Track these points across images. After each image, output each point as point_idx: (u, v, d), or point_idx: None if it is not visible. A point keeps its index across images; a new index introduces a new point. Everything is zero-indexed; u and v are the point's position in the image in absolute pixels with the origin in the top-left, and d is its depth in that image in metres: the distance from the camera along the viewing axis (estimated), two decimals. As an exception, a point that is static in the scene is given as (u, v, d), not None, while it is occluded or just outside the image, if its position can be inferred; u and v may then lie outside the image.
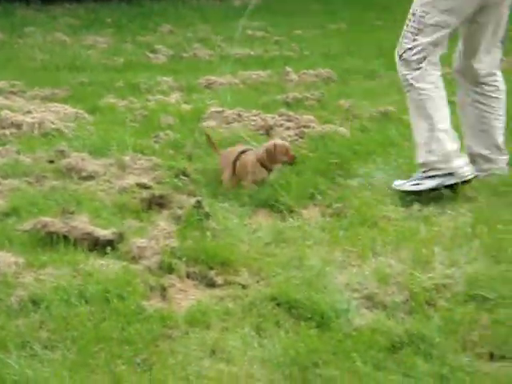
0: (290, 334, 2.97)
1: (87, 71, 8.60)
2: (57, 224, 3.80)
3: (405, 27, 4.55)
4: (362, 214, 4.16)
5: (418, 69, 4.52)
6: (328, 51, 9.66)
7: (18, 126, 5.90)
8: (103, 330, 2.91)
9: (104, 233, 3.76)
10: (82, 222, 3.84)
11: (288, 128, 5.90)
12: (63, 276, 3.33)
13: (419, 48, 4.50)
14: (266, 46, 10.20)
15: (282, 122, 6.04)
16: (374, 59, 8.79)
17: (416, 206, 4.30)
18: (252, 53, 9.69)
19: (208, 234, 3.85)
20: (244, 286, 3.40)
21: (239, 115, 6.21)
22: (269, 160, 4.67)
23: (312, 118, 6.10)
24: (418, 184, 4.47)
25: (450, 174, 4.43)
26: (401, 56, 4.56)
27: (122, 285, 3.24)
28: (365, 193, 4.48)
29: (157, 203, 4.33)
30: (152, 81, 7.92)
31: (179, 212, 4.14)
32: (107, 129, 5.97)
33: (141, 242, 3.68)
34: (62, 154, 5.23)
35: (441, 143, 4.46)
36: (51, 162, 5.16)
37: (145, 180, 4.74)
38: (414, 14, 4.52)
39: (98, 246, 3.70)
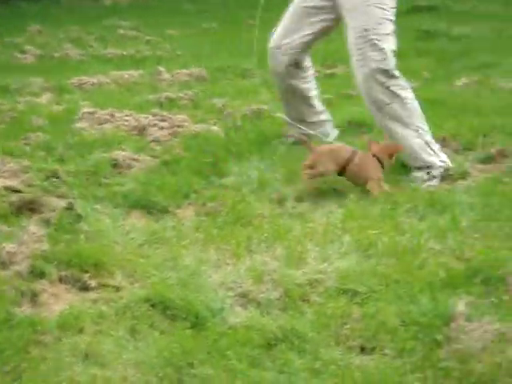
0: (164, 335, 2.95)
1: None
2: None
3: (361, 46, 4.71)
4: (237, 212, 4.17)
5: (398, 76, 4.78)
6: (200, 50, 9.65)
7: None
8: (-30, 340, 2.83)
9: (-29, 239, 3.64)
10: None
11: (162, 128, 5.86)
12: None
13: (390, 55, 4.74)
14: (138, 46, 10.11)
15: (156, 121, 6.00)
16: (246, 58, 8.82)
17: (290, 203, 4.35)
18: (124, 53, 9.59)
19: (81, 236, 3.79)
20: (118, 289, 3.36)
21: (112, 115, 6.13)
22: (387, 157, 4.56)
23: (185, 117, 6.09)
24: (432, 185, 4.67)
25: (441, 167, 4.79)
26: (377, 70, 4.70)
27: (-10, 292, 3.15)
28: (239, 191, 4.50)
29: (27, 207, 4.22)
30: (21, 82, 7.73)
31: (50, 215, 4.05)
32: (-26, 131, 5.80)
33: (10, 246, 3.58)
34: None
35: (434, 144, 4.79)
36: None
37: (14, 183, 4.61)
38: (366, 30, 4.70)
39: (-35, 251, 3.59)
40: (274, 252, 3.69)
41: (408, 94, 4.79)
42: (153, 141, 5.61)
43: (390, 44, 4.74)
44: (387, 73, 4.72)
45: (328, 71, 8.18)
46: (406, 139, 4.75)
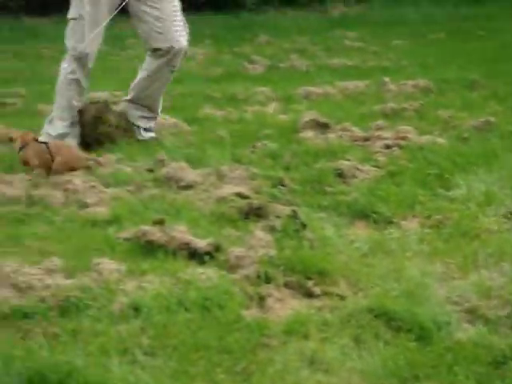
0: (389, 346, 2.93)
1: (186, 82, 8.70)
2: (156, 233, 3.85)
3: (178, 20, 6.00)
4: (463, 225, 4.09)
5: None
6: (426, 61, 9.54)
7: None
8: (202, 338, 2.94)
9: (202, 243, 3.78)
10: (180, 232, 3.88)
11: (386, 139, 5.84)
12: (163, 283, 3.37)
13: None
14: (364, 57, 10.14)
15: (381, 132, 6.00)
16: (473, 69, 8.65)
17: (519, 218, 4.20)
18: (349, 63, 9.65)
19: (305, 243, 3.84)
20: (342, 297, 3.37)
21: (337, 125, 6.19)
22: None
23: (410, 128, 6.03)
24: None
25: None
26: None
27: (220, 293, 3.25)
28: (465, 204, 4.40)
29: (254, 213, 4.34)
30: (249, 91, 7.96)
31: (276, 222, 4.14)
32: (205, 138, 6.03)
33: (239, 251, 3.70)
34: (162, 163, 5.30)
35: None
36: (151, 171, 5.24)
37: (242, 189, 4.76)
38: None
39: (197, 255, 3.73)
40: (501, 268, 3.57)
41: None
42: (377, 151, 5.60)
43: None
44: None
45: None
46: None
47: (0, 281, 3.41)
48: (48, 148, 5.24)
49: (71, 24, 5.92)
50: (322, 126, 6.22)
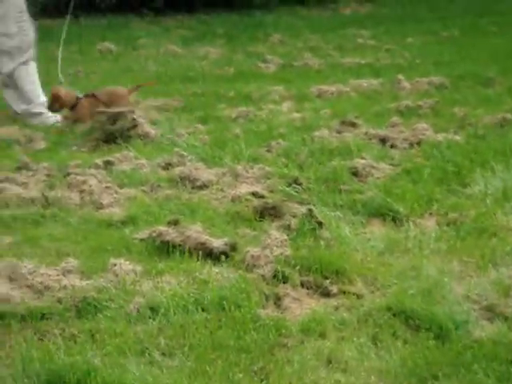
0: (407, 345, 2.92)
1: (199, 81, 8.69)
2: (172, 233, 3.84)
3: None
4: (480, 223, 4.07)
5: None
6: (440, 58, 9.51)
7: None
8: (220, 338, 2.93)
9: (217, 243, 3.77)
10: (195, 232, 3.86)
11: (402, 136, 5.81)
12: (180, 284, 3.36)
13: None
14: (377, 55, 10.12)
15: (396, 130, 5.97)
16: (488, 66, 8.61)
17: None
18: (363, 61, 9.62)
19: (321, 242, 3.83)
20: (359, 296, 3.36)
21: (352, 124, 6.17)
22: None
23: (426, 126, 6.00)
24: None
25: None
26: None
27: (237, 293, 3.24)
28: (483, 201, 4.37)
29: (269, 212, 4.32)
30: (263, 90, 7.95)
31: (292, 221, 4.13)
32: (219, 138, 6.02)
33: (254, 250, 3.68)
34: (176, 162, 5.30)
35: None
36: (166, 169, 5.24)
37: (257, 189, 4.74)
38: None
39: (212, 254, 3.73)
40: (520, 265, 3.55)
41: None
42: (393, 149, 5.57)
43: None
44: None
45: None
46: None
47: (17, 282, 3.43)
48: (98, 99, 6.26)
49: None
50: (337, 124, 6.20)
